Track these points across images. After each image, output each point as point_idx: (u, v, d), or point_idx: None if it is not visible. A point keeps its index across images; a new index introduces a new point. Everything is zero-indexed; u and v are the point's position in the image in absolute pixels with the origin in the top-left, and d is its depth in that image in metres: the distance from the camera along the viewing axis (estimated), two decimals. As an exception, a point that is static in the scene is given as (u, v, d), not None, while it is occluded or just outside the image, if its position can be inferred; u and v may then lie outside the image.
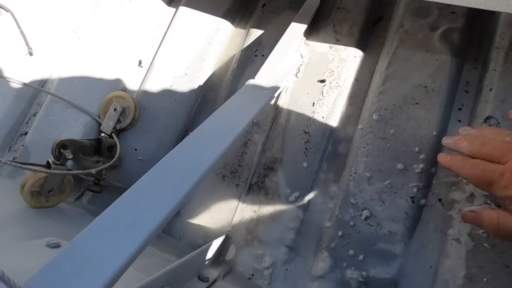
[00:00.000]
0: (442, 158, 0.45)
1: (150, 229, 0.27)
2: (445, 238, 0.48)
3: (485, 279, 0.44)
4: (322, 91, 0.61)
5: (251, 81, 0.50)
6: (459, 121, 0.54)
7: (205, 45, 0.67)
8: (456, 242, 0.47)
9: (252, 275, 0.54)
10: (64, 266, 0.23)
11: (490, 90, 0.52)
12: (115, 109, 0.62)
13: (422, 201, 0.50)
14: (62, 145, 0.52)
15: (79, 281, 0.23)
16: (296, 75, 0.63)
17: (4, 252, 0.35)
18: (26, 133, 0.66)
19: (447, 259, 0.47)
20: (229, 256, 0.56)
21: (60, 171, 0.49)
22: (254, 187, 0.59)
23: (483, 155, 0.40)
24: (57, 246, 0.39)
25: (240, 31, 0.70)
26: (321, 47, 0.64)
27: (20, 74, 0.67)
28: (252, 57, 0.67)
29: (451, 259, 0.47)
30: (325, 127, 0.59)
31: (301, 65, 0.63)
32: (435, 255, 0.48)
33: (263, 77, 0.51)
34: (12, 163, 0.42)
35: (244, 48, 0.68)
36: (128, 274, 0.36)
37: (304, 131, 0.60)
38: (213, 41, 0.67)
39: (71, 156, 0.53)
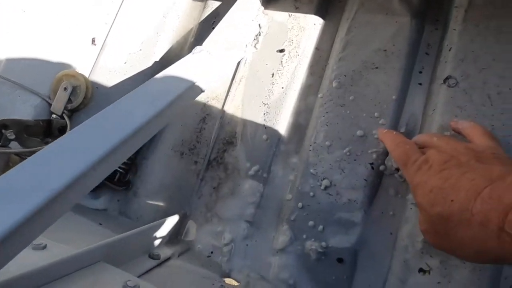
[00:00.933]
0: (380, 131, 0.47)
1: (50, 189, 0.24)
2: (404, 203, 0.46)
3: (443, 242, 0.42)
4: (282, 61, 0.59)
5: (198, 48, 0.47)
6: (420, 84, 0.52)
7: (160, 19, 0.64)
8: (415, 206, 0.45)
9: (212, 252, 0.52)
10: None
11: (450, 50, 0.50)
12: (65, 89, 0.59)
13: (382, 167, 0.48)
14: (3, 125, 0.49)
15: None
16: (255, 46, 0.61)
17: None
18: (-26, 118, 0.63)
19: (406, 224, 0.45)
20: (188, 234, 0.54)
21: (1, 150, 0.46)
22: (213, 163, 0.57)
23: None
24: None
25: (198, 4, 0.67)
26: (280, 16, 0.62)
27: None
28: (210, 29, 0.64)
29: (410, 224, 0.45)
30: (285, 98, 0.57)
31: (259, 35, 0.61)
32: (395, 221, 0.47)
33: (211, 44, 0.48)
34: None
35: (202, 21, 0.65)
36: (59, 249, 0.34)
37: (263, 103, 0.57)
38: (169, 14, 0.64)
39: (13, 137, 0.50)
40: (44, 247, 0.35)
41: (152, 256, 0.44)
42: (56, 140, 0.30)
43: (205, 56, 0.45)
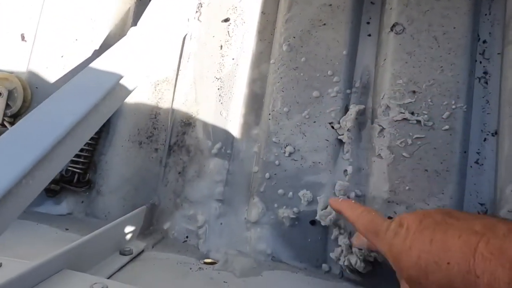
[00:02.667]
0: (332, 201, 0.43)
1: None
2: (368, 157, 0.47)
3: (407, 188, 0.44)
4: (228, 31, 0.56)
5: (133, 29, 0.44)
6: (369, 35, 0.52)
7: (92, 3, 0.59)
8: (378, 158, 0.46)
9: (187, 237, 0.52)
10: None
11: (394, -5, 0.49)
12: (0, 94, 0.54)
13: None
14: None
15: None
16: (198, 19, 0.58)
17: None
18: None
19: (371, 177, 0.46)
20: (161, 223, 0.53)
21: None
22: (174, 148, 0.55)
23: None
24: None
25: (130, -19, 0.62)
26: (219, -17, 0.58)
27: None
28: (148, 7, 0.60)
29: (375, 176, 0.46)
30: (236, 69, 0.55)
31: (201, 6, 0.57)
32: (361, 176, 0.47)
33: (147, 22, 0.45)
34: None
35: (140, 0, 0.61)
36: (18, 265, 0.32)
37: (216, 78, 0.55)
38: (101, -4, 0.59)
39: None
40: None
41: (123, 253, 0.43)
42: None
43: (143, 37, 0.42)
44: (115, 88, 0.35)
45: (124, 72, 0.36)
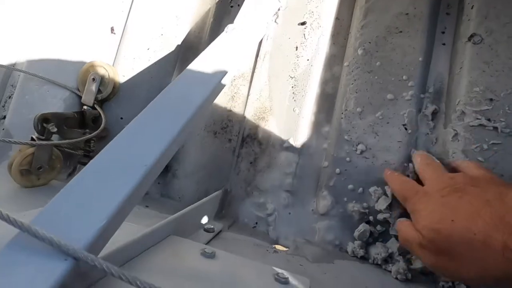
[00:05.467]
0: (386, 171, 0.49)
1: (146, 165, 0.26)
2: (441, 160, 0.49)
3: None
4: (304, 34, 0.60)
5: (230, 26, 0.48)
6: (444, 44, 0.54)
7: (178, 2, 0.64)
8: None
9: (256, 223, 0.55)
10: (65, 204, 0.23)
11: (472, 7, 0.51)
12: (93, 79, 0.60)
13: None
14: (44, 119, 0.51)
15: (81, 216, 0.22)
16: (275, 21, 0.61)
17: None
18: (4, 117, 0.64)
19: (443, 178, 0.48)
20: (232, 209, 0.56)
21: (46, 142, 0.47)
22: (247, 139, 0.59)
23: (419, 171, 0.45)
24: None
25: (212, -16, 0.67)
26: (297, -11, 0.62)
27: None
28: (228, 8, 0.65)
29: (448, 178, 0.47)
30: (311, 70, 0.58)
31: (279, 9, 0.61)
32: (432, 176, 0.49)
33: (242, 21, 0.49)
34: (-7, 137, 0.40)
35: (219, 1, 0.65)
36: (132, 228, 0.36)
37: (290, 76, 0.59)
38: (185, -4, 0.64)
39: (55, 130, 0.51)
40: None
41: (207, 230, 0.47)
42: (130, 124, 0.31)
43: (239, 34, 0.46)
44: (223, 78, 0.39)
45: (228, 64, 0.40)
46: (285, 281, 0.31)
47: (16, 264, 0.19)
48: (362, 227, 0.49)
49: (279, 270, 0.32)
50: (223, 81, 0.39)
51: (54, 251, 0.20)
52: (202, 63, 0.39)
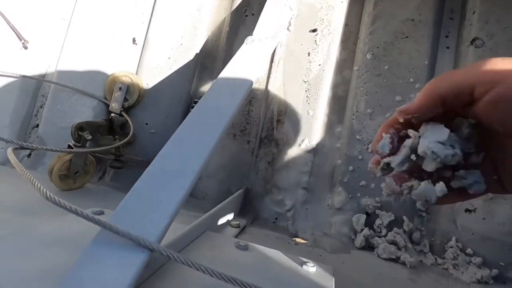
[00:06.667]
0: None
1: (195, 171, 0.30)
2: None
3: None
4: (315, 40, 0.64)
5: (250, 38, 0.52)
6: (448, 47, 0.58)
7: (195, 12, 0.68)
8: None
9: (276, 218, 0.59)
10: (134, 206, 0.27)
11: (473, 13, 0.55)
12: (120, 88, 0.64)
13: (422, 126, 0.54)
14: (80, 128, 0.55)
15: (151, 215, 0.27)
16: (288, 29, 0.65)
17: (56, 222, 0.38)
18: (37, 126, 0.68)
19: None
20: (253, 205, 0.61)
21: (85, 149, 0.52)
22: (265, 141, 0.63)
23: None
24: (101, 213, 0.43)
25: (226, -6, 0.71)
26: (307, -2, 0.66)
27: (19, 68, 0.68)
28: (243, 17, 0.69)
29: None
30: (322, 74, 0.62)
31: (292, 17, 0.65)
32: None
33: (260, 32, 0.53)
34: (42, 147, 0.45)
35: (234, 10, 0.69)
36: (174, 225, 0.40)
37: (304, 81, 0.63)
38: (202, 7, 0.68)
39: (90, 137, 0.55)
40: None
41: (234, 226, 0.51)
42: (174, 135, 0.35)
43: (259, 45, 0.50)
44: (247, 91, 0.43)
45: (252, 74, 0.45)
46: (313, 268, 0.35)
47: (103, 257, 0.24)
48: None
49: (305, 259, 0.36)
50: (248, 91, 0.44)
51: (133, 245, 0.24)
52: (229, 76, 0.44)
